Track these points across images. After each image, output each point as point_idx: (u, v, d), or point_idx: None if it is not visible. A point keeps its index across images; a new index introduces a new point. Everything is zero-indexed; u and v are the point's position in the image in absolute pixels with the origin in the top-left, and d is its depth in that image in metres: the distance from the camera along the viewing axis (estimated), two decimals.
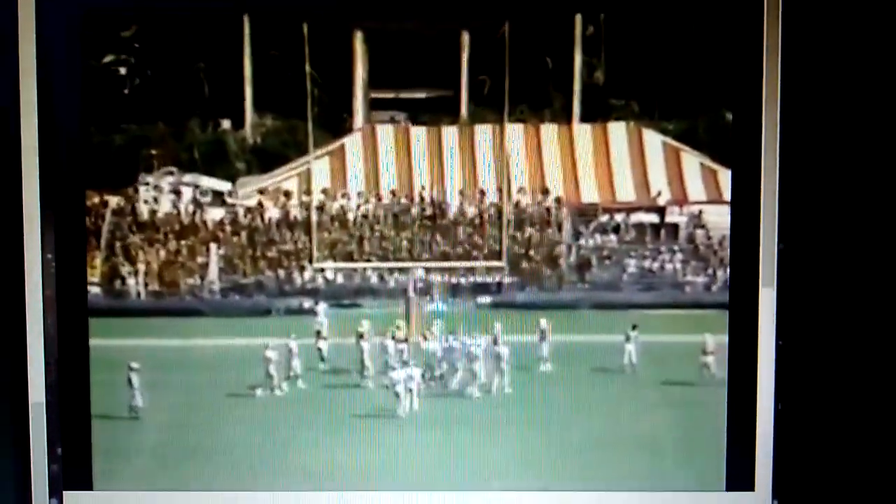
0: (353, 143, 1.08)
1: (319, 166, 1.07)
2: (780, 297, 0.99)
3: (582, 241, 1.09)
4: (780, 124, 0.99)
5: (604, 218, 1.09)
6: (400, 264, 1.08)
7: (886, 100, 0.97)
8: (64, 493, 1.03)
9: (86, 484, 1.04)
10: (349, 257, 1.09)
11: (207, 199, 1.07)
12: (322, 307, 1.08)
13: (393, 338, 1.09)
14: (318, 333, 1.09)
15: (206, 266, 1.08)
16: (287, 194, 1.08)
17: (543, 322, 1.07)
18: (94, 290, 1.05)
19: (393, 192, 1.09)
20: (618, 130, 1.07)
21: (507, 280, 1.08)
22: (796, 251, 0.98)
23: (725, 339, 1.03)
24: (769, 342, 1.00)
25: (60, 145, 1.01)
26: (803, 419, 0.99)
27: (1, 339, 1.00)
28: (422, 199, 1.08)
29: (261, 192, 1.07)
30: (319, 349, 1.10)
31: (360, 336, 1.09)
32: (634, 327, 1.07)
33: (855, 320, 0.99)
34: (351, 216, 1.09)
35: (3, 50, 0.98)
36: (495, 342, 1.09)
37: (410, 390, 1.09)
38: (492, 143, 1.06)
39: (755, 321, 1.01)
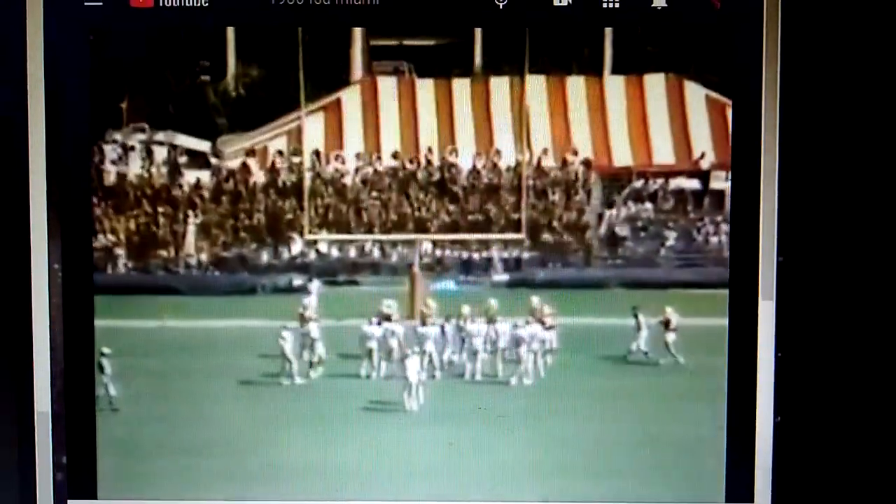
0: (350, 97, 1.00)
1: (312, 123, 1.00)
2: (779, 309, 0.98)
3: (613, 211, 1.01)
4: (778, 133, 0.96)
5: (638, 183, 1.01)
6: (403, 236, 1.00)
7: (889, 112, 0.97)
8: (69, 501, 1.01)
9: (90, 492, 1.01)
10: (345, 228, 1.01)
11: (184, 159, 0.99)
12: (315, 285, 1.00)
13: (421, 320, 1.02)
14: (302, 316, 1.01)
15: (182, 237, 1.00)
16: (275, 155, 1.00)
17: (535, 301, 1.00)
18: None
19: (395, 154, 1.01)
20: (655, 83, 0.98)
21: (526, 255, 1.00)
22: (796, 264, 0.97)
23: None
24: (769, 354, 0.98)
25: (67, 154, 0.97)
26: (803, 431, 0.99)
27: (7, 348, 0.99)
28: (429, 161, 1.01)
29: (245, 152, 1.00)
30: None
31: (387, 318, 1.02)
32: (634, 308, 1.00)
33: (855, 332, 0.99)
34: (348, 181, 1.01)
35: (10, 58, 0.96)
36: (527, 323, 1.01)
37: (421, 381, 1.00)
38: (510, 98, 0.98)
39: (754, 333, 0.98)
